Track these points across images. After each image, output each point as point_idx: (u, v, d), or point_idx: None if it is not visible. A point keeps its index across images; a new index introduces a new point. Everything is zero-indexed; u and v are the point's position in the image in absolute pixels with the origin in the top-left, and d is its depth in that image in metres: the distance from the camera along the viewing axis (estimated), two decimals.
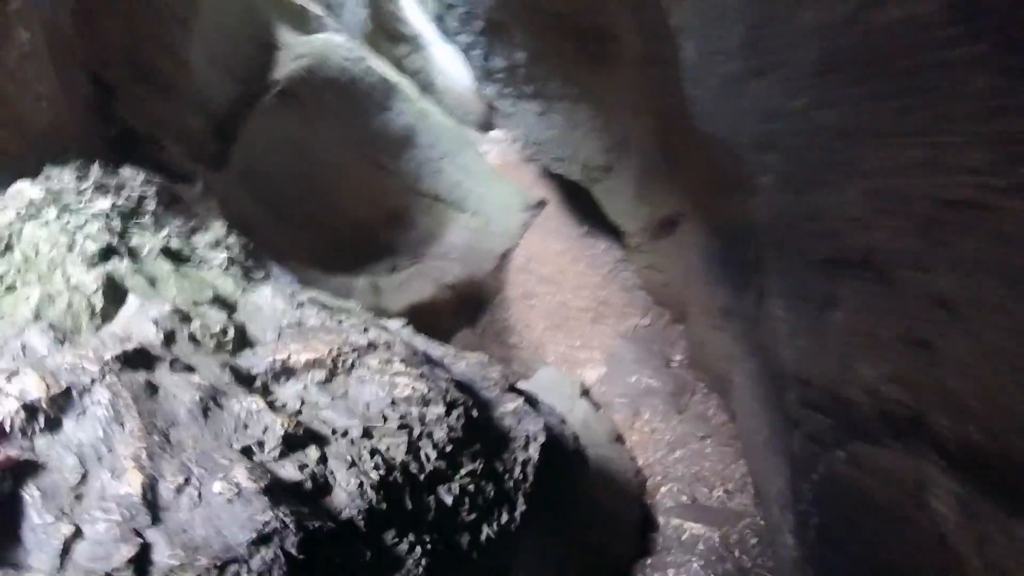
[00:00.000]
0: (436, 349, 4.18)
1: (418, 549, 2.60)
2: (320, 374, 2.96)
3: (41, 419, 2.43)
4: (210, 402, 2.59)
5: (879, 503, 2.45)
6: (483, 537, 3.02)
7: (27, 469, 2.30)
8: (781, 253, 2.73)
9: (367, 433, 2.71)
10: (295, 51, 8.64)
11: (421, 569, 2.55)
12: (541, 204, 10.06)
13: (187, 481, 2.28)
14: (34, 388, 2.45)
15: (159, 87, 6.80)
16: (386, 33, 10.65)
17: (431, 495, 2.77)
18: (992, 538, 1.86)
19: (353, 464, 2.54)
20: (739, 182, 3.15)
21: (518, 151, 10.85)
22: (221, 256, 4.22)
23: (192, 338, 3.03)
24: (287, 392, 2.89)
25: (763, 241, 2.98)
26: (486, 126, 11.68)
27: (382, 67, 9.34)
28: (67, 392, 2.50)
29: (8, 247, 3.38)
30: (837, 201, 2.05)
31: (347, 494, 2.45)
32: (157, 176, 5.41)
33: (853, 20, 1.92)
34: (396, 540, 2.56)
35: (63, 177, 4.63)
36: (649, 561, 5.28)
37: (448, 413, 3.02)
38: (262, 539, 2.11)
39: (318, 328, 3.31)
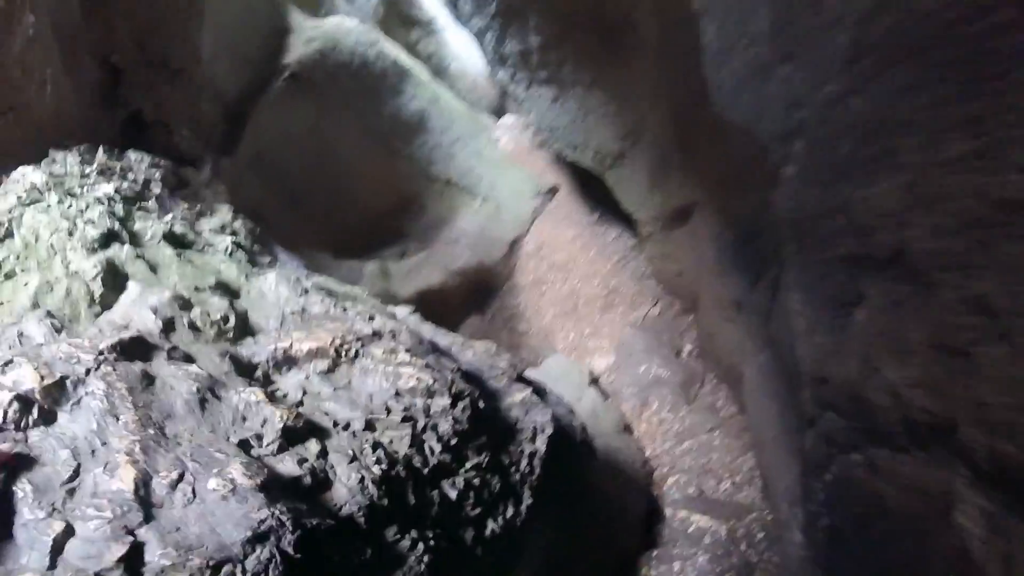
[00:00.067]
0: (443, 337, 4.08)
1: (421, 546, 2.50)
2: (323, 364, 2.86)
3: (35, 411, 2.34)
4: (208, 393, 2.49)
5: (897, 511, 2.32)
6: (488, 532, 2.93)
7: (20, 463, 2.21)
8: (802, 247, 2.58)
9: (370, 426, 2.61)
10: (306, 35, 8.50)
11: (424, 566, 2.46)
12: (553, 191, 9.89)
13: (181, 477, 2.18)
14: (28, 379, 2.36)
15: (169, 72, 6.68)
16: (399, 17, 10.46)
17: (435, 489, 2.67)
18: (1021, 558, 1.73)
19: (354, 458, 2.44)
20: (760, 172, 2.99)
21: (530, 137, 10.67)
22: (226, 241, 4.12)
23: (192, 326, 2.93)
24: (289, 382, 2.80)
25: (783, 234, 2.83)
26: (499, 112, 11.50)
27: (394, 51, 9.17)
28: (61, 383, 2.40)
29: (8, 233, 3.30)
30: (867, 195, 1.90)
31: (347, 490, 2.35)
32: (164, 160, 5.33)
33: (888, 4, 1.77)
34: (398, 537, 2.46)
35: (67, 161, 4.55)
36: (655, 553, 5.19)
37: (454, 405, 2.92)
38: (257, 538, 2.02)
39: (322, 316, 3.20)
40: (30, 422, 2.33)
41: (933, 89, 1.56)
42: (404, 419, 2.69)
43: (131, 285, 3.17)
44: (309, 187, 8.50)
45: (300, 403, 2.67)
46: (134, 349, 2.67)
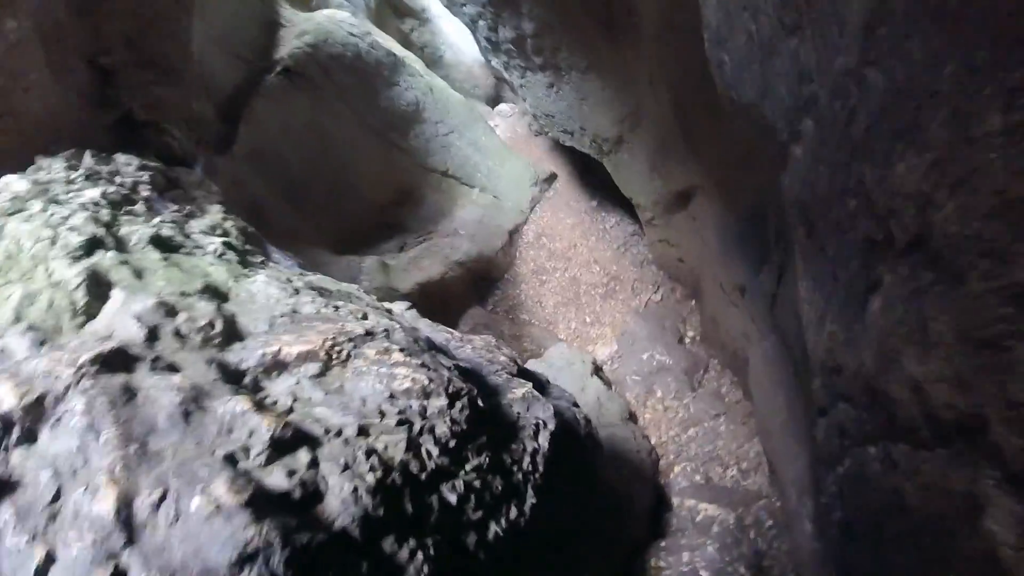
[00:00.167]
0: (441, 333, 3.94)
1: (420, 555, 2.37)
2: (314, 367, 2.71)
3: (15, 431, 2.20)
4: (192, 405, 2.35)
5: (917, 509, 2.17)
6: (491, 535, 2.79)
7: (2, 488, 2.08)
8: (812, 231, 2.41)
9: (363, 431, 2.47)
10: (298, 28, 8.32)
11: None
12: (551, 178, 9.73)
13: (164, 496, 2.04)
14: (8, 397, 2.22)
15: (160, 71, 6.50)
16: (391, 7, 10.25)
17: (434, 495, 2.53)
18: None
19: (347, 467, 2.30)
20: (765, 153, 2.82)
21: (527, 125, 10.48)
22: (216, 242, 3.97)
23: (177, 333, 2.79)
24: (279, 388, 2.65)
25: (791, 217, 2.67)
26: (495, 100, 11.30)
27: (388, 41, 8.97)
28: (41, 400, 2.27)
29: None
30: (886, 175, 1.73)
31: (340, 501, 2.21)
32: (154, 161, 5.18)
33: None
34: (396, 547, 2.33)
35: (53, 167, 4.40)
36: (663, 544, 5.08)
37: (451, 405, 2.78)
38: (245, 559, 1.89)
39: (313, 317, 3.06)
40: (11, 443, 2.20)
41: (962, 58, 1.39)
42: (399, 423, 2.54)
43: (115, 293, 3.03)
44: (306, 182, 8.34)
45: (290, 410, 2.53)
46: (115, 361, 2.53)
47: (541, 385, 4.10)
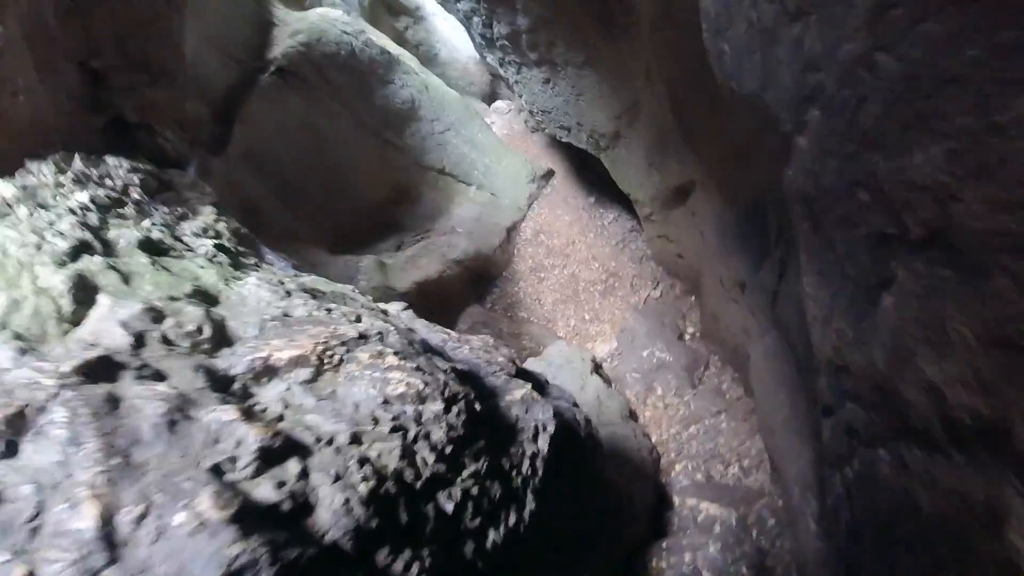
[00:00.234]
0: (437, 334, 3.83)
1: (415, 566, 2.27)
2: (305, 373, 2.60)
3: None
4: (177, 414, 2.25)
5: (931, 515, 2.07)
6: (489, 543, 2.70)
7: None
8: (818, 225, 2.30)
9: (355, 439, 2.36)
10: (291, 28, 8.19)
11: None
12: (549, 175, 9.62)
13: (147, 512, 1.94)
14: None
15: (152, 73, 6.38)
16: (385, 5, 10.11)
17: (429, 503, 2.43)
18: None
19: (339, 477, 2.20)
20: (767, 145, 2.71)
21: (523, 121, 10.36)
22: (207, 244, 3.87)
23: (164, 339, 2.68)
24: (269, 395, 2.54)
25: (794, 211, 2.56)
26: (491, 97, 11.17)
27: (382, 39, 8.84)
28: (22, 412, 2.16)
29: None
30: (900, 166, 1.63)
31: (332, 513, 2.11)
32: (146, 163, 5.07)
33: None
34: (390, 559, 2.23)
35: (42, 171, 4.28)
36: (665, 544, 4.99)
37: (447, 410, 2.67)
38: None
39: (304, 320, 2.95)
40: None
41: (985, 39, 1.29)
42: (393, 429, 2.44)
43: (101, 298, 2.92)
44: (302, 181, 8.23)
45: (280, 417, 2.42)
46: (99, 370, 2.43)
47: (540, 385, 4.00)
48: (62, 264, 3.12)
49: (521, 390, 3.41)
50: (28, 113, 4.87)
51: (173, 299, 3.03)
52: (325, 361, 2.64)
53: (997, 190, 1.30)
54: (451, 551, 2.50)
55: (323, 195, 8.30)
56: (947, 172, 1.43)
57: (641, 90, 6.51)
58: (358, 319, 3.11)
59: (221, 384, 2.53)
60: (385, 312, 3.89)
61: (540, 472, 3.09)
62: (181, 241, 3.90)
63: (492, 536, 2.71)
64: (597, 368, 6.64)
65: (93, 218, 3.73)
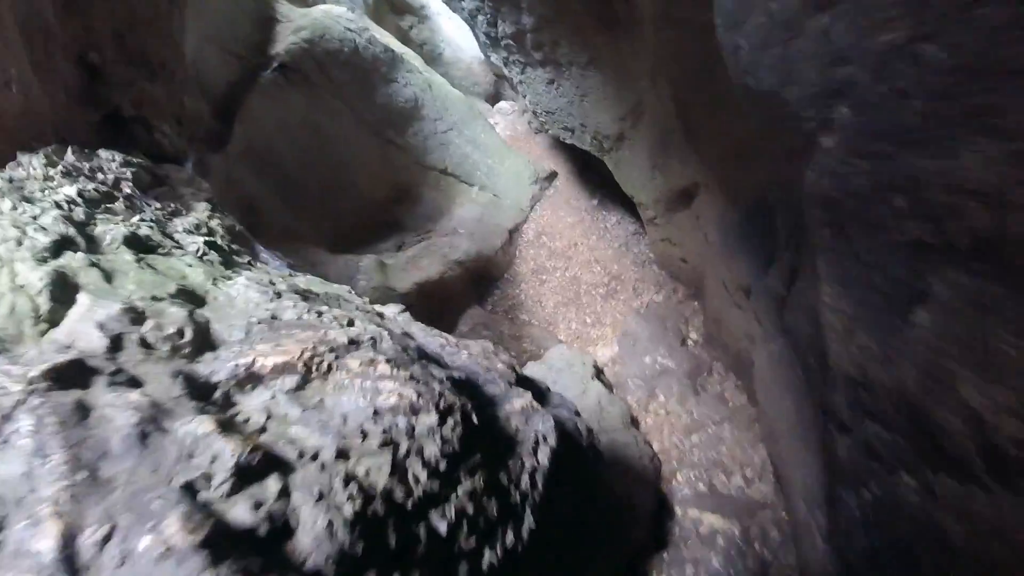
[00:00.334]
0: (435, 339, 3.64)
1: None
2: (291, 380, 2.42)
3: None
4: (150, 426, 2.06)
5: (964, 551, 1.88)
6: (485, 565, 2.50)
7: None
8: (842, 231, 2.12)
9: (342, 454, 2.17)
10: (294, 24, 8.01)
11: None
12: (552, 176, 9.42)
13: (111, 534, 1.75)
14: None
15: (149, 68, 6.22)
16: (390, 3, 9.92)
17: (421, 524, 2.24)
18: None
19: (322, 497, 2.01)
20: (783, 146, 2.52)
21: (527, 123, 10.17)
22: (198, 242, 3.68)
23: (143, 343, 2.49)
24: (252, 404, 2.35)
25: (814, 216, 2.37)
26: (494, 98, 10.98)
27: (385, 37, 8.65)
28: None
29: None
30: (946, 167, 1.44)
31: (313, 537, 1.92)
32: (141, 158, 4.89)
33: None
34: None
35: (32, 164, 4.11)
36: (666, 556, 4.80)
37: (442, 422, 2.48)
38: None
39: (293, 324, 2.76)
40: None
41: None
42: (383, 444, 2.25)
43: (80, 297, 2.73)
44: (303, 180, 8.05)
45: (263, 429, 2.23)
46: (71, 375, 2.24)
47: (541, 394, 3.82)
48: (42, 260, 2.93)
49: (521, 400, 3.22)
50: (21, 105, 4.70)
51: (156, 299, 2.84)
52: (313, 368, 2.46)
53: None
54: (444, 574, 2.31)
55: (323, 194, 8.12)
56: (1002, 175, 1.24)
57: (645, 91, 6.33)
58: (350, 323, 2.92)
59: (201, 392, 2.35)
60: (381, 315, 3.71)
61: (540, 487, 2.90)
62: (171, 238, 3.72)
63: (488, 556, 2.52)
64: (598, 373, 6.45)
65: (79, 212, 3.55)
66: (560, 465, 3.19)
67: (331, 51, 7.87)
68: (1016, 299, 1.35)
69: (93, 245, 3.27)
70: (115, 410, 2.09)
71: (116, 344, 2.46)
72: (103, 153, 4.61)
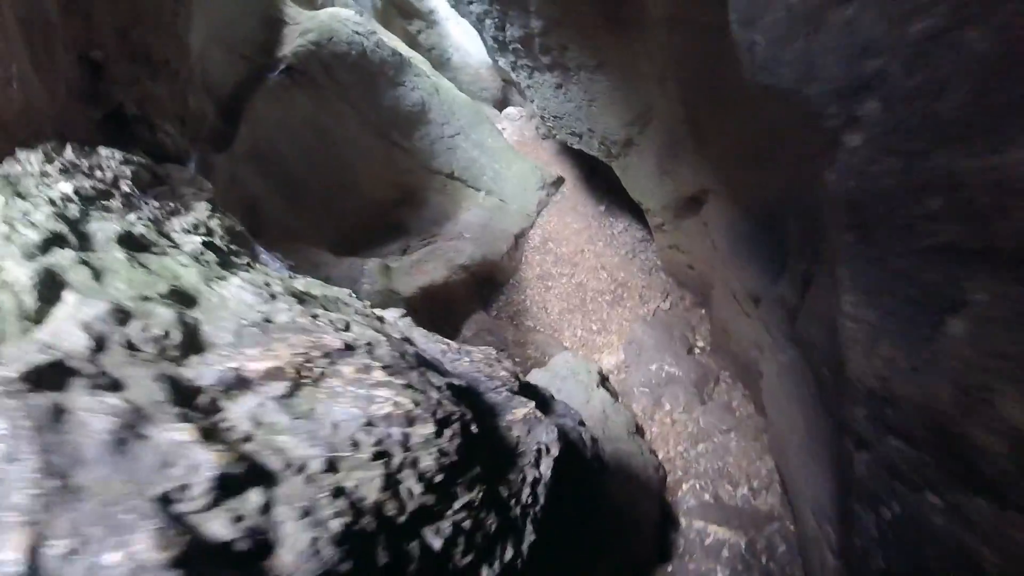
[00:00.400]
0: (436, 345, 3.51)
1: None
2: (281, 387, 2.28)
3: None
4: (128, 432, 1.93)
5: None
6: None
7: None
8: (868, 235, 1.97)
9: (331, 466, 2.04)
10: (302, 26, 7.93)
11: None
12: (559, 182, 9.29)
13: (79, 546, 1.62)
14: None
15: (153, 66, 6.13)
16: (398, 8, 9.83)
17: (414, 541, 2.10)
18: None
19: (307, 512, 1.87)
20: (801, 147, 2.38)
21: (535, 128, 10.06)
22: (196, 241, 3.56)
23: (129, 344, 2.36)
24: (239, 411, 2.22)
25: (836, 220, 2.22)
26: (502, 103, 10.87)
27: (393, 41, 8.56)
28: None
29: None
30: (986, 165, 1.30)
31: (296, 554, 1.78)
32: (141, 156, 4.79)
33: None
34: None
35: (30, 160, 4.01)
36: (671, 568, 4.64)
37: (439, 433, 2.34)
38: None
39: (286, 327, 2.63)
40: None
41: None
42: (376, 455, 2.11)
43: (68, 296, 2.60)
44: (308, 181, 7.95)
45: (249, 438, 2.10)
46: (50, 376, 2.11)
47: (545, 402, 3.67)
48: (31, 257, 2.82)
49: (523, 409, 3.08)
50: (21, 103, 4.60)
51: (145, 299, 2.71)
52: (304, 374, 2.32)
53: None
54: None
55: (328, 196, 8.02)
56: None
57: (654, 96, 6.20)
58: (347, 327, 2.79)
59: (186, 397, 2.21)
60: (381, 319, 3.57)
61: (542, 500, 2.76)
62: (168, 237, 3.60)
63: (486, 574, 2.37)
64: (604, 381, 6.30)
65: (73, 210, 3.43)
66: (563, 476, 3.05)
67: (338, 54, 7.78)
68: None
69: (85, 243, 3.15)
70: (92, 415, 1.96)
71: (100, 345, 2.33)
72: (103, 151, 4.51)
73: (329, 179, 8.05)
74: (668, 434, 5.93)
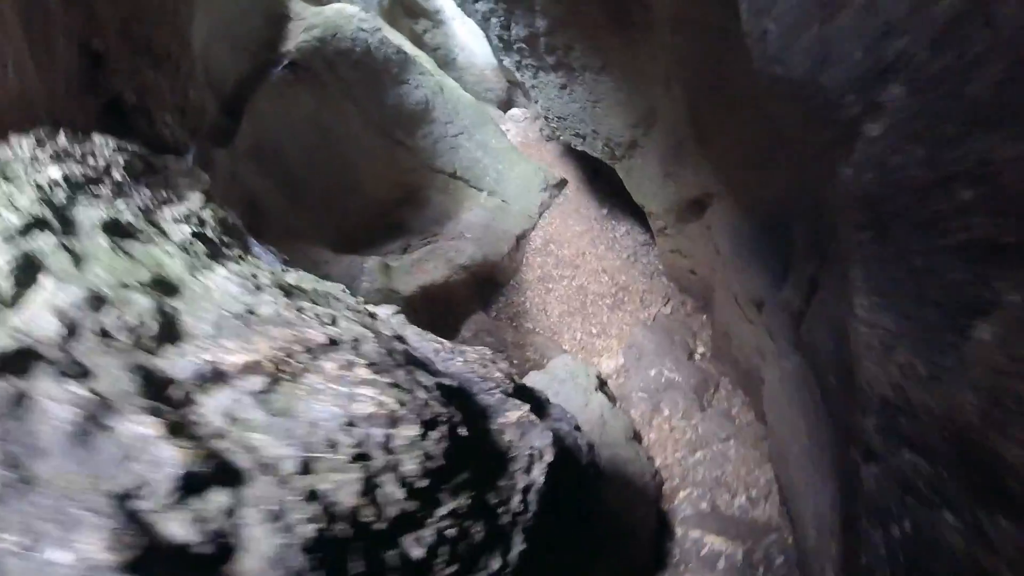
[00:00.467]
0: (429, 343, 3.36)
1: None
2: (258, 382, 2.14)
3: None
4: (91, 423, 1.79)
5: None
6: None
7: None
8: (887, 233, 1.82)
9: (306, 467, 1.89)
10: (307, 22, 7.82)
11: None
12: (561, 184, 9.16)
13: (28, 543, 1.48)
14: None
15: (155, 57, 6.02)
16: (405, 7, 9.73)
17: (393, 549, 1.95)
18: None
19: (277, 516, 1.72)
20: (812, 143, 2.24)
21: (538, 130, 9.93)
22: (185, 231, 3.43)
23: (103, 332, 2.23)
24: (213, 405, 2.08)
25: (850, 218, 2.08)
26: (507, 104, 10.75)
27: (398, 39, 8.44)
28: None
29: None
30: None
31: (262, 560, 1.64)
32: (136, 146, 4.67)
33: None
34: None
35: (21, 145, 3.90)
36: None
37: (425, 436, 2.20)
38: None
39: (268, 320, 2.49)
40: None
41: None
42: (355, 457, 1.96)
43: (45, 281, 2.47)
44: (309, 178, 7.83)
45: (220, 435, 1.96)
46: (17, 362, 1.98)
47: (540, 406, 3.52)
48: (10, 241, 2.69)
49: (517, 412, 2.93)
50: (16, 88, 4.49)
51: (125, 287, 2.58)
52: (284, 369, 2.18)
53: None
54: None
55: (329, 193, 7.90)
56: None
57: (659, 98, 6.06)
58: (333, 322, 2.64)
59: (157, 389, 2.08)
60: (373, 316, 3.43)
61: (533, 508, 2.61)
62: (156, 226, 3.47)
63: None
64: (602, 385, 6.15)
65: (60, 195, 3.30)
66: (557, 483, 2.90)
67: (342, 50, 7.67)
68: None
69: (68, 228, 3.02)
70: (55, 403, 1.83)
71: (72, 331, 2.20)
72: (97, 138, 4.38)
73: (331, 177, 7.93)
74: (666, 440, 5.77)
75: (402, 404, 2.19)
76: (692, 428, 5.84)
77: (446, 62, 9.94)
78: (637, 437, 5.70)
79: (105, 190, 3.70)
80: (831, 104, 1.89)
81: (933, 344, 1.63)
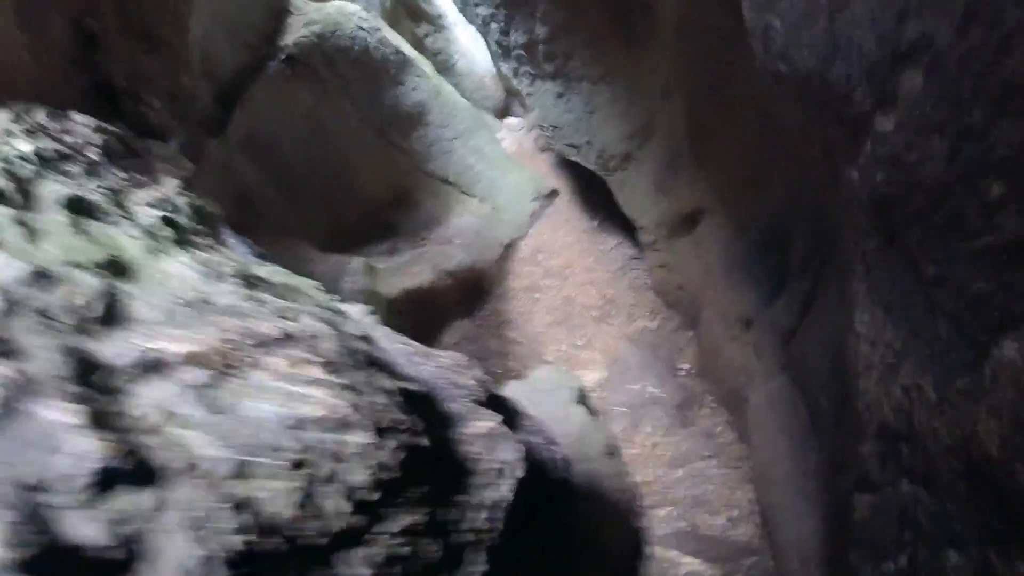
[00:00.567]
0: (399, 346, 3.14)
1: None
2: (202, 375, 1.92)
3: None
4: (11, 407, 1.57)
5: None
6: None
7: None
8: (896, 239, 1.64)
9: (242, 472, 1.67)
10: (307, 17, 7.66)
11: None
12: (553, 194, 9.00)
13: None
14: None
15: (149, 42, 5.83)
16: (407, 10, 9.58)
17: (335, 568, 1.72)
18: None
19: (202, 523, 1.50)
20: (823, 141, 2.06)
21: (533, 140, 9.79)
22: (154, 215, 3.22)
23: (44, 311, 2.00)
24: (151, 397, 1.86)
25: (857, 225, 1.89)
26: (504, 112, 10.61)
27: (398, 40, 8.30)
28: None
29: None
30: None
31: (179, 572, 1.41)
32: (119, 128, 4.46)
33: None
34: None
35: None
36: None
37: (380, 444, 1.97)
38: None
39: (222, 309, 2.28)
40: None
41: None
42: (298, 464, 1.74)
43: None
44: (301, 175, 7.64)
45: (153, 430, 1.73)
46: None
47: (513, 417, 3.30)
48: None
49: (487, 423, 2.71)
50: (4, 65, 4.31)
51: (76, 266, 2.36)
52: (231, 363, 1.96)
53: None
54: None
55: (321, 191, 7.71)
56: None
57: (656, 110, 5.93)
58: (295, 317, 2.43)
59: (93, 375, 1.85)
60: (342, 313, 3.21)
61: (499, 524, 2.39)
62: (123, 208, 3.26)
63: None
64: (583, 398, 5.92)
65: (28, 170, 3.09)
66: (526, 499, 2.68)
67: (341, 47, 7.51)
68: None
69: (29, 203, 2.81)
70: None
71: (11, 309, 1.97)
72: (77, 117, 4.17)
73: (323, 174, 7.74)
74: (647, 457, 5.56)
75: (356, 408, 1.98)
76: (673, 445, 5.64)
77: (445, 67, 9.79)
78: (617, 453, 5.48)
79: (77, 169, 3.50)
80: (839, 100, 1.71)
81: (946, 363, 1.44)
